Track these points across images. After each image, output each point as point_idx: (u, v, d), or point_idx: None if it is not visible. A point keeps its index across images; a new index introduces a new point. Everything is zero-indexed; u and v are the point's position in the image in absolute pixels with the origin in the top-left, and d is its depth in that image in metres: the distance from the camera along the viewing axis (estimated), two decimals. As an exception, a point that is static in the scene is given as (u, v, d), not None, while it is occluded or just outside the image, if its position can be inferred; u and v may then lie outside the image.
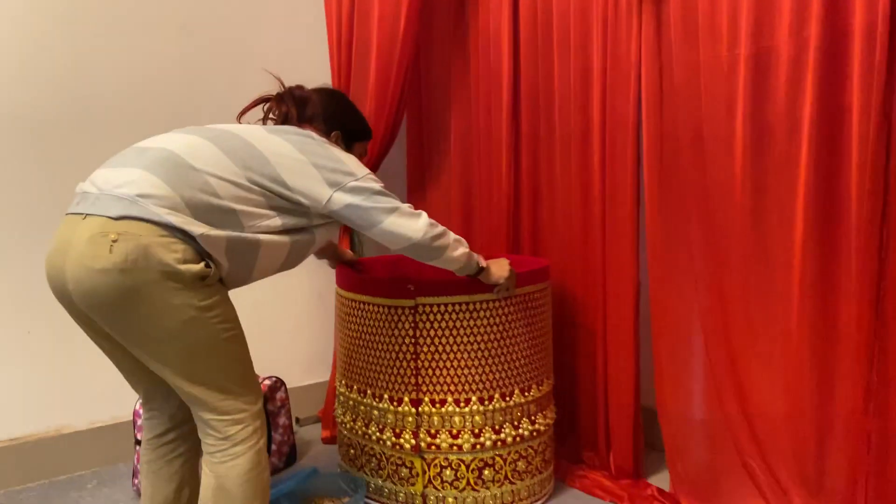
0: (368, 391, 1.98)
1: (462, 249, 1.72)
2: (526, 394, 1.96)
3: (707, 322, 1.95)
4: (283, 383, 2.37)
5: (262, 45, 2.60)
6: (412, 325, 1.88)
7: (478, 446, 1.88)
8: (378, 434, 1.96)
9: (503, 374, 1.92)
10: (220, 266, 1.42)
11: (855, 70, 1.60)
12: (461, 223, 2.60)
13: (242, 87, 2.55)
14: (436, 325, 1.87)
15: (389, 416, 1.93)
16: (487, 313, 1.90)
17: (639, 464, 2.18)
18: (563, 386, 2.30)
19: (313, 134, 1.64)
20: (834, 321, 1.70)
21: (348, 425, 2.06)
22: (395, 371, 1.92)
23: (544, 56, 2.26)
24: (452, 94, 2.59)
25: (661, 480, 2.14)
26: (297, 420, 2.65)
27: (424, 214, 1.65)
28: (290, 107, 1.74)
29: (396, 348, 1.91)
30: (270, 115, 1.78)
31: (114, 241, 1.30)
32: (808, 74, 1.67)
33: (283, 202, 1.50)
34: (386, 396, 1.93)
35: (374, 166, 2.55)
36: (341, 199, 1.53)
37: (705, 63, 1.86)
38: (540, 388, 2.02)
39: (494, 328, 1.90)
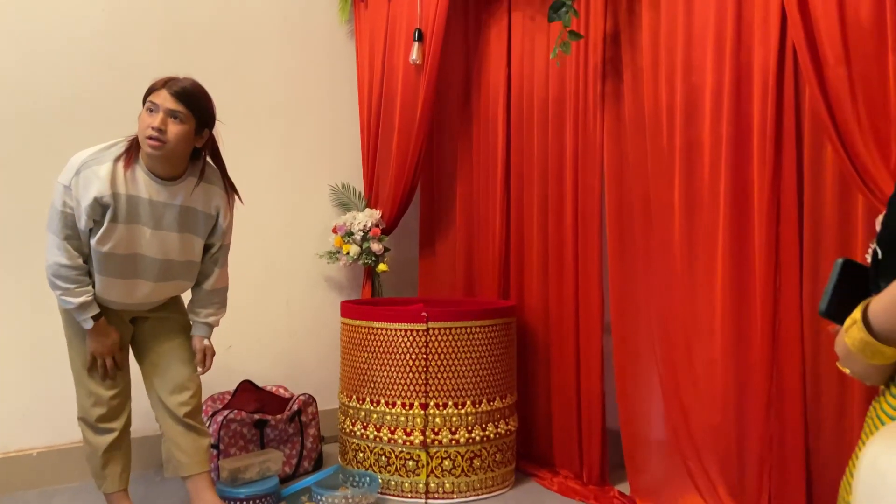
0: (382, 400, 2.48)
1: (68, 300, 1.97)
2: (503, 400, 2.57)
3: (658, 353, 2.45)
4: (314, 400, 2.86)
5: (307, 125, 3.21)
6: (424, 343, 2.43)
7: (470, 440, 2.43)
8: (389, 435, 2.46)
9: (488, 384, 2.51)
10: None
11: (755, 159, 2.17)
12: (464, 271, 3.14)
13: (292, 159, 3.15)
14: (443, 343, 2.46)
15: (402, 418, 2.44)
16: (480, 336, 2.49)
17: (605, 474, 2.64)
18: (542, 408, 2.79)
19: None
20: (746, 349, 2.21)
21: (358, 432, 2.55)
22: (408, 381, 2.45)
23: (528, 137, 2.85)
24: (458, 166, 3.17)
25: (622, 489, 2.59)
26: (323, 438, 3.13)
27: (59, 256, 1.94)
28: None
29: (410, 363, 2.44)
30: None
31: None
32: (722, 160, 2.24)
33: None
34: (399, 403, 2.45)
35: (393, 224, 3.12)
36: None
37: (651, 148, 2.43)
38: (511, 397, 2.64)
39: (483, 348, 2.49)
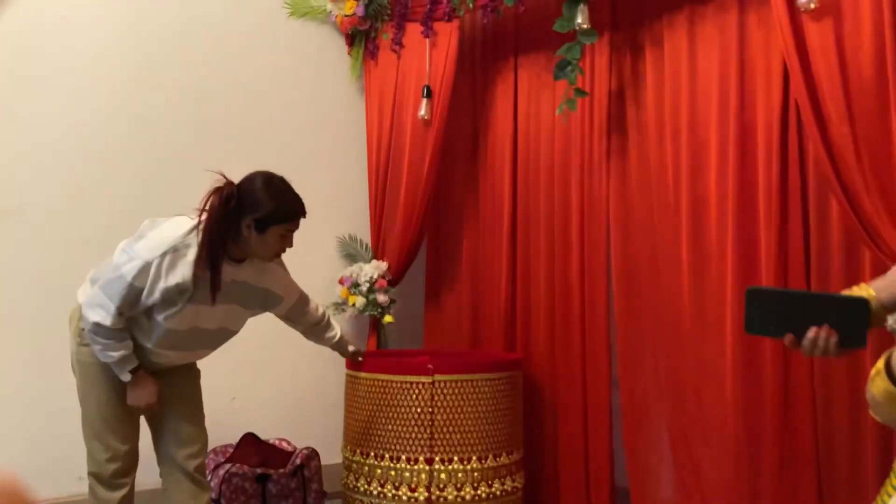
0: (386, 455, 2.44)
1: (108, 353, 1.95)
2: (509, 456, 2.51)
3: (668, 410, 2.42)
4: (317, 454, 2.81)
5: (315, 177, 3.25)
6: (430, 396, 2.40)
7: (476, 497, 2.37)
8: (394, 491, 2.41)
9: (494, 439, 2.46)
10: None
11: (760, 215, 2.18)
12: (469, 324, 3.13)
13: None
14: (449, 396, 2.42)
15: (406, 473, 2.40)
16: (486, 389, 2.44)
17: (614, 533, 2.58)
18: (549, 465, 2.74)
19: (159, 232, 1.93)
20: (757, 405, 2.19)
21: (361, 488, 2.49)
22: (413, 435, 2.41)
23: (534, 192, 2.88)
24: (465, 219, 3.19)
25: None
26: (325, 494, 3.06)
27: (104, 318, 1.89)
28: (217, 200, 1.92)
29: (415, 416, 2.41)
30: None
31: None
32: (729, 216, 2.25)
33: None
34: (403, 458, 2.41)
35: (399, 275, 3.13)
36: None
37: (657, 204, 2.45)
38: (518, 453, 2.57)
39: (489, 401, 2.44)
